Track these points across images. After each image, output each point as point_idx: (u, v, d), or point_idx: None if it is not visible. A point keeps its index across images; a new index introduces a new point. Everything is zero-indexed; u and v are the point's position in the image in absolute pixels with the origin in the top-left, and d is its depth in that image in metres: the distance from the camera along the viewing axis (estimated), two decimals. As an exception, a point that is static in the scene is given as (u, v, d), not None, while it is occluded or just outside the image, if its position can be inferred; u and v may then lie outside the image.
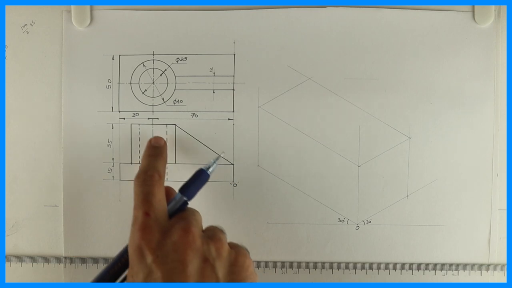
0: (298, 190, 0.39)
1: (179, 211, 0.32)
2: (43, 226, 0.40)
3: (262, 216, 0.39)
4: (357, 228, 0.39)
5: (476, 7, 0.37)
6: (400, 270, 0.38)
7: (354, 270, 0.39)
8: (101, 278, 0.31)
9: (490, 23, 0.37)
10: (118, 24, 0.39)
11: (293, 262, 0.39)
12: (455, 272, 0.38)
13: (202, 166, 0.34)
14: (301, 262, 0.39)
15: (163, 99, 0.39)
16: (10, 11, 0.39)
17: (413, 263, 0.38)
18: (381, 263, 0.38)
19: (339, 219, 0.39)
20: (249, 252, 0.31)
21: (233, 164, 0.39)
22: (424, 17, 0.38)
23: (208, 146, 0.38)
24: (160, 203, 0.31)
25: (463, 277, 0.38)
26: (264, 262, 0.39)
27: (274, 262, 0.39)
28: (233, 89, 0.38)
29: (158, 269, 0.28)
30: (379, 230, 0.38)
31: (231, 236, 0.39)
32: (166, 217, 0.31)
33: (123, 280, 0.31)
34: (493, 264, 0.38)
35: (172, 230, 0.29)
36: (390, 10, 0.38)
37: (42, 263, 0.40)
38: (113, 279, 0.31)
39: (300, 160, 0.38)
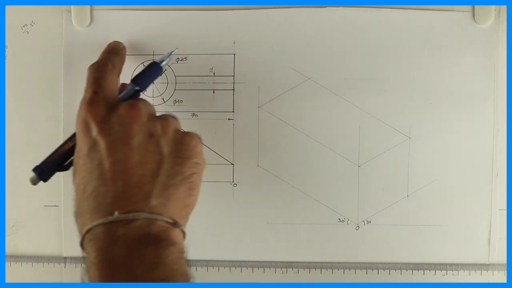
0: (298, 190, 0.38)
1: (131, 99, 0.32)
2: (43, 226, 0.40)
3: (262, 216, 0.39)
4: (357, 228, 0.39)
5: (476, 7, 0.37)
6: (400, 270, 0.38)
7: (354, 270, 0.39)
8: (50, 158, 0.31)
9: (490, 23, 0.37)
10: (118, 24, 0.39)
11: (293, 262, 0.39)
12: (455, 272, 0.38)
13: (155, 59, 0.35)
14: (301, 262, 0.39)
15: (163, 99, 0.39)
16: (10, 11, 0.39)
17: (413, 263, 0.38)
18: (381, 263, 0.38)
19: (339, 219, 0.39)
20: (200, 139, 0.31)
21: (233, 164, 0.39)
22: (424, 17, 0.38)
23: (208, 146, 0.38)
24: (110, 87, 0.31)
25: (463, 277, 0.38)
26: (264, 262, 0.39)
27: (274, 262, 0.39)
28: (233, 89, 0.38)
29: (102, 140, 0.28)
30: (379, 230, 0.38)
31: (231, 235, 0.39)
32: (115, 97, 0.31)
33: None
34: (493, 264, 0.38)
35: (119, 106, 0.29)
36: (390, 10, 0.38)
37: (42, 263, 0.40)
38: (62, 160, 0.31)
39: (300, 160, 0.38)
